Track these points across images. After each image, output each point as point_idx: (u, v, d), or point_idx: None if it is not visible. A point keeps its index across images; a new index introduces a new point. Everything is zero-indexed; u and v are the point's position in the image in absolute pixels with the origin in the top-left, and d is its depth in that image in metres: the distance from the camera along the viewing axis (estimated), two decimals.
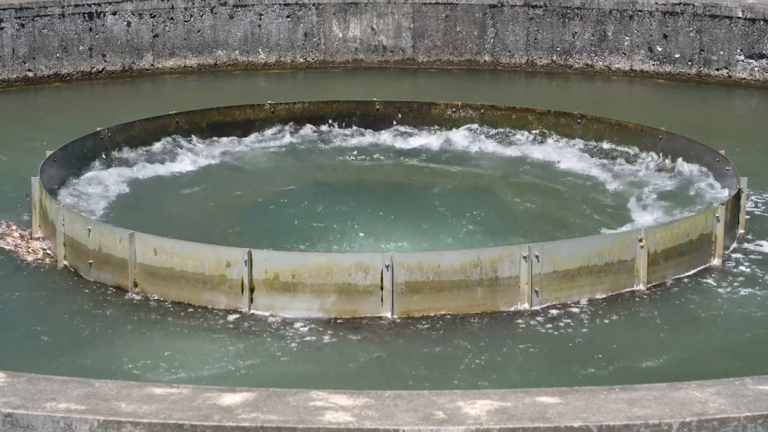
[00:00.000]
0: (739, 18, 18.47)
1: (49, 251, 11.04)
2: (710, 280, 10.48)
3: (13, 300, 10.12)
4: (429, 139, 14.69)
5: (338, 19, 20.16)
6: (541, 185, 13.10)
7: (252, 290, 9.66)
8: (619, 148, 13.89)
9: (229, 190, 12.90)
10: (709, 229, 10.73)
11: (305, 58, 20.18)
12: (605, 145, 13.98)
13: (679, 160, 13.15)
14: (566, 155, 13.95)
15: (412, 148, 14.49)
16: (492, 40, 19.97)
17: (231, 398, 5.78)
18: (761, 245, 11.38)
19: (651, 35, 19.15)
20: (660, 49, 19.12)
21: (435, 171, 13.64)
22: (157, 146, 13.88)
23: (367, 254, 10.01)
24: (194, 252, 9.88)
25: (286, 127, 14.80)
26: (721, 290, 10.30)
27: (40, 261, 10.94)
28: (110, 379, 6.24)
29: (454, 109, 15.10)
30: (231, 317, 9.59)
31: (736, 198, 11.41)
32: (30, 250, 11.13)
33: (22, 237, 11.39)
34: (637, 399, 5.75)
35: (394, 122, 14.96)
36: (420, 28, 20.19)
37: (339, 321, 9.52)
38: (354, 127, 14.95)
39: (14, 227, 11.66)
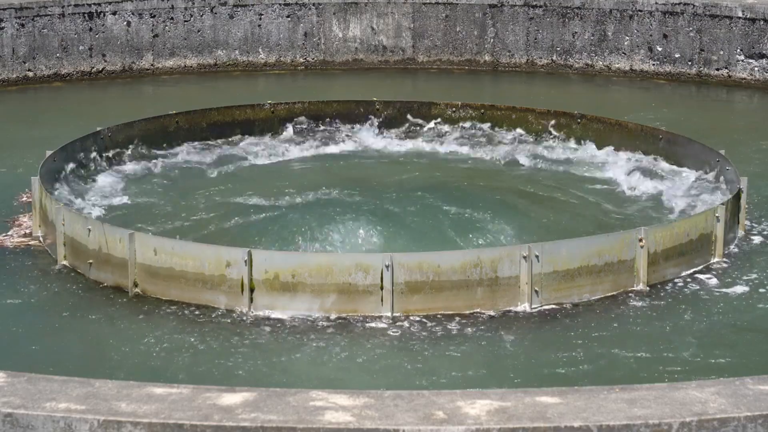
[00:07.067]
0: (739, 18, 18.47)
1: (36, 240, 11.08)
2: (710, 280, 10.48)
3: (13, 300, 10.11)
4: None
5: (338, 19, 20.16)
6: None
7: (252, 290, 9.65)
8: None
9: (232, 190, 12.89)
10: (709, 228, 10.73)
11: (305, 58, 20.18)
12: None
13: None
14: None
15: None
16: (492, 40, 19.97)
17: (231, 398, 5.77)
18: (761, 244, 11.39)
19: (651, 35, 19.15)
20: (660, 49, 19.12)
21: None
22: (159, 147, 13.94)
23: (367, 254, 10.01)
24: (194, 252, 9.88)
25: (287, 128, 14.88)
26: (721, 290, 10.29)
27: (25, 246, 11.04)
28: (110, 378, 6.24)
29: (454, 109, 15.10)
30: (231, 317, 9.59)
31: (736, 198, 11.40)
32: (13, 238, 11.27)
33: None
34: (637, 399, 5.74)
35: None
36: (420, 28, 20.19)
37: (339, 321, 9.52)
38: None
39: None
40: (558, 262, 9.87)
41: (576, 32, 19.56)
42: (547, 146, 14.22)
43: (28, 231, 11.58)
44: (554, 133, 14.24)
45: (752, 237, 11.59)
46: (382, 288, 9.55)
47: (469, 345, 9.14)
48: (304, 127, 14.90)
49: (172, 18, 19.60)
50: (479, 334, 9.33)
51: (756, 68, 18.46)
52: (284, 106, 15.04)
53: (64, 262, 10.69)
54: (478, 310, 9.68)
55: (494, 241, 10.85)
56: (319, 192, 12.45)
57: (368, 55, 20.32)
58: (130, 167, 13.40)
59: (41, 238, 11.35)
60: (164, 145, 14.02)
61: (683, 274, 10.52)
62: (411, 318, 9.55)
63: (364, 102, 15.30)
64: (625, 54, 19.36)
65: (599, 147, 13.95)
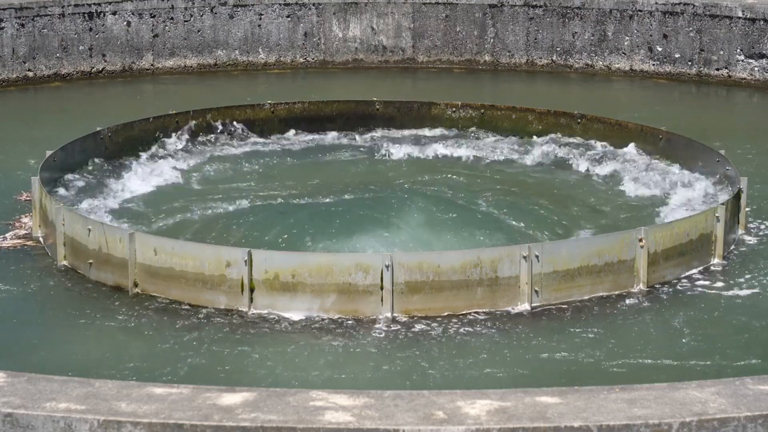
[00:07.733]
0: (739, 18, 18.47)
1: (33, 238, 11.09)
2: (710, 280, 10.47)
3: (13, 300, 10.11)
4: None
5: (338, 19, 20.16)
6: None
7: (252, 290, 9.65)
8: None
9: (236, 189, 12.89)
10: (709, 228, 10.73)
11: (305, 58, 20.18)
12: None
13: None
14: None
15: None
16: (492, 40, 19.97)
17: (231, 398, 5.77)
18: (761, 245, 11.38)
19: (651, 35, 19.14)
20: (660, 49, 19.12)
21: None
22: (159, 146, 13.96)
23: (367, 254, 10.01)
24: (194, 252, 9.87)
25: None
26: (721, 290, 10.28)
27: (23, 246, 11.05)
28: (110, 378, 6.24)
29: (454, 109, 15.10)
30: (231, 317, 9.58)
31: (736, 198, 11.40)
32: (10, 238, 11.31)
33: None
34: (637, 399, 5.74)
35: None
36: (420, 28, 20.19)
37: (339, 321, 9.51)
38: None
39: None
40: (558, 262, 9.87)
41: (576, 32, 19.55)
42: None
43: (28, 231, 11.58)
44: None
45: (752, 237, 11.58)
46: (382, 288, 9.54)
47: (469, 345, 9.14)
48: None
49: (172, 18, 19.60)
50: (479, 334, 9.33)
51: (756, 68, 18.45)
52: (284, 106, 15.04)
53: (64, 263, 10.69)
54: (478, 310, 9.68)
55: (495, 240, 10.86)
56: (316, 192, 12.46)
57: (368, 55, 20.32)
58: (132, 166, 13.41)
59: (41, 238, 11.34)
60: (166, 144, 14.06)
61: (683, 274, 10.52)
62: (411, 318, 9.55)
63: (364, 102, 15.31)
64: (625, 54, 19.35)
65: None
